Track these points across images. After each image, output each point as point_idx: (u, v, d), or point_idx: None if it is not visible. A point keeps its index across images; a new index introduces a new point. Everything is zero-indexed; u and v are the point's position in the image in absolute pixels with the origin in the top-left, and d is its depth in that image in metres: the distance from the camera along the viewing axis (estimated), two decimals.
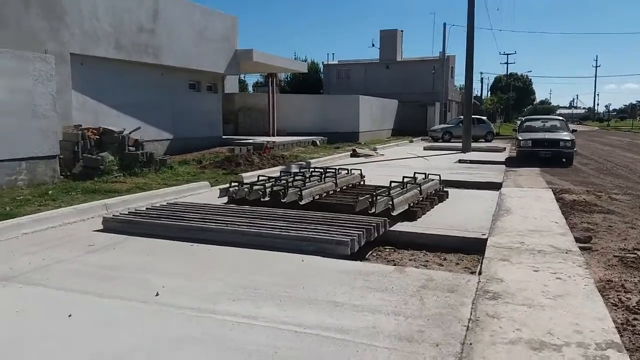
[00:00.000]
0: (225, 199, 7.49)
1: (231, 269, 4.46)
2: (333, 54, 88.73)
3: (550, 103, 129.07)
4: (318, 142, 23.17)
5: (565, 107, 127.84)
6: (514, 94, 67.98)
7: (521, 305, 3.64)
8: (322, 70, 45.00)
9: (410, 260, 5.35)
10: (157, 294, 3.84)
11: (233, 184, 7.54)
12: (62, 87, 11.98)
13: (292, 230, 5.25)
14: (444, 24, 37.79)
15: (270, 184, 7.68)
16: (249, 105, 24.51)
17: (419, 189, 7.47)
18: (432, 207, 7.39)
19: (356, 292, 3.90)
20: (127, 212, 6.30)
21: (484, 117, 32.33)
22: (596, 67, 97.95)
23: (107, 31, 13.08)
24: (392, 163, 15.28)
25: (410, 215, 6.60)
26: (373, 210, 6.31)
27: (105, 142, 11.64)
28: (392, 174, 11.88)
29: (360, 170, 9.59)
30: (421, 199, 7.30)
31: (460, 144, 20.72)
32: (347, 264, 4.66)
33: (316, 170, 9.61)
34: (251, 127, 24.27)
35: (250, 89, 58.24)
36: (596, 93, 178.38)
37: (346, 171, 9.62)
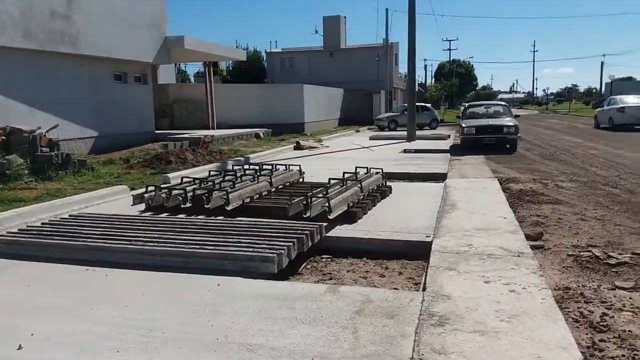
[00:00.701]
0: (142, 207, 6.58)
1: (127, 301, 3.64)
2: (276, 42, 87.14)
3: (492, 88, 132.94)
4: (262, 135, 22.28)
5: (506, 92, 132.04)
6: (456, 80, 69.18)
7: (472, 333, 3.04)
8: (265, 59, 43.81)
9: (348, 271, 4.70)
10: (19, 347, 2.98)
11: (150, 188, 6.63)
12: None
13: (210, 245, 4.47)
14: (386, 10, 37.82)
15: (194, 186, 6.84)
16: (186, 96, 23.22)
17: (359, 185, 6.84)
18: (374, 205, 6.79)
19: (277, 328, 3.19)
20: (16, 230, 5.30)
21: (428, 105, 32.37)
22: (534, 52, 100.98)
23: (13, 16, 11.66)
24: (337, 155, 14.67)
25: (350, 216, 5.96)
26: (308, 214, 5.61)
27: (14, 143, 10.34)
28: (335, 167, 11.26)
29: (299, 165, 8.88)
30: (362, 197, 6.68)
31: (406, 133, 20.41)
32: (272, 286, 3.94)
33: (251, 167, 8.83)
34: (189, 120, 23.02)
35: (192, 79, 56.18)
36: (535, 77, 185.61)
37: (284, 167, 8.89)
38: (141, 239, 4.75)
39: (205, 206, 6.10)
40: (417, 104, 27.12)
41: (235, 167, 9.02)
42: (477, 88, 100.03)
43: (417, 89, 55.99)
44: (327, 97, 31.20)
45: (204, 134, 18.39)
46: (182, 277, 4.10)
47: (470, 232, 5.41)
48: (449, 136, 21.10)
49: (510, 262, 4.38)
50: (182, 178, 7.52)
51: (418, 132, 21.68)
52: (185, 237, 4.77)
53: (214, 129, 22.05)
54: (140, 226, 5.25)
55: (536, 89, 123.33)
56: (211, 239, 4.69)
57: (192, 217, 6.04)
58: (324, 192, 6.21)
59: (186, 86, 23.76)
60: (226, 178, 7.58)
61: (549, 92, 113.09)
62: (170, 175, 9.63)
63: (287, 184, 8.01)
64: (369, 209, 6.53)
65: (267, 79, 42.29)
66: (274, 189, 7.45)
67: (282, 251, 4.23)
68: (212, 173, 8.17)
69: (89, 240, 4.71)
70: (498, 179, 9.23)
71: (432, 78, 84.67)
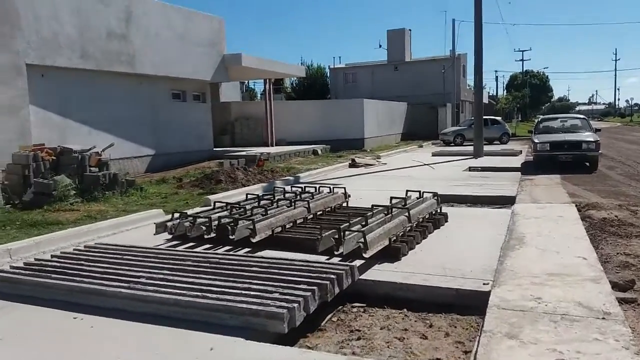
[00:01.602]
0: (166, 235, 6.05)
1: None
2: (340, 57, 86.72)
3: (569, 100, 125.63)
4: (319, 151, 21.72)
5: (584, 104, 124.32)
6: (528, 90, 65.59)
7: None
8: (329, 74, 43.55)
9: (382, 328, 3.84)
10: None
11: (175, 215, 6.10)
12: (18, 103, 10.78)
13: (215, 292, 3.78)
14: (453, 20, 36.27)
15: (224, 213, 6.24)
16: (247, 114, 23.17)
17: (407, 214, 5.94)
18: (424, 238, 5.86)
19: None
20: (21, 264, 4.89)
21: (498, 118, 30.49)
22: (616, 60, 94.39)
23: (71, 37, 11.83)
24: (394, 174, 13.72)
25: (392, 252, 5.09)
26: (340, 251, 4.81)
27: (64, 164, 10.33)
28: (389, 187, 10.37)
29: (345, 188, 8.08)
30: (409, 227, 5.77)
31: (472, 148, 19.05)
32: (274, 353, 3.16)
33: (292, 189, 8.17)
34: (249, 137, 22.90)
35: (259, 97, 57.13)
36: (617, 87, 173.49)
37: (329, 189, 8.13)
38: (144, 279, 4.16)
39: (230, 237, 5.45)
40: (486, 117, 25.61)
41: (279, 189, 8.39)
42: (552, 99, 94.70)
43: (487, 101, 53.59)
44: (388, 112, 30.24)
45: (260, 152, 18.07)
46: (173, 335, 3.42)
47: (540, 278, 4.38)
48: (520, 152, 19.46)
49: (593, 327, 3.34)
50: (214, 202, 6.96)
51: (486, 148, 20.24)
52: (193, 279, 4.11)
53: (272, 145, 21.77)
54: (150, 262, 4.67)
55: (618, 99, 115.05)
56: (219, 282, 4.01)
57: (213, 250, 5.42)
58: (363, 223, 5.38)
59: (247, 104, 23.75)
60: (261, 203, 6.94)
61: (633, 103, 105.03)
62: (213, 197, 9.15)
63: (329, 209, 7.23)
64: (417, 243, 5.61)
65: (330, 95, 41.96)
66: (311, 216, 6.70)
67: (296, 305, 3.45)
68: (249, 197, 7.56)
69: (86, 280, 4.18)
70: (576, 205, 7.94)
71: (503, 90, 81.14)
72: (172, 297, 3.73)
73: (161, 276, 4.23)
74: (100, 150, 13.01)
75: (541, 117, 22.51)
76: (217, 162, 16.29)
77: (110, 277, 4.27)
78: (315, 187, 8.12)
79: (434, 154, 20.13)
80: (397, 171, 14.34)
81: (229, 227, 5.53)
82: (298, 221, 6.37)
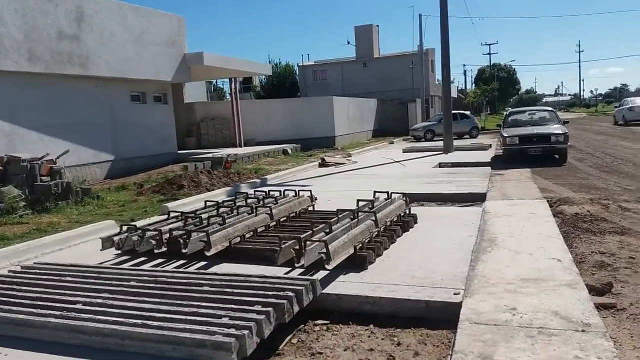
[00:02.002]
0: (115, 251, 5.57)
1: None
2: (308, 54, 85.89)
3: (536, 92, 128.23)
4: (289, 151, 21.31)
5: (551, 95, 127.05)
6: (497, 84, 66.45)
7: None
8: (297, 72, 43.13)
9: (346, 349, 3.48)
10: None
11: (124, 228, 5.62)
12: None
13: (157, 318, 3.36)
14: (420, 15, 36.18)
15: (177, 224, 5.80)
16: (212, 114, 22.56)
17: (373, 218, 5.61)
18: (392, 243, 5.55)
19: None
20: None
21: (467, 112, 30.58)
22: (579, 52, 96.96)
23: (16, 39, 11.11)
24: (364, 172, 13.42)
25: (358, 261, 4.75)
26: (301, 263, 4.44)
27: (12, 173, 9.68)
28: (358, 187, 10.06)
29: (310, 191, 7.71)
30: (376, 232, 5.45)
31: (443, 143, 18.94)
32: None
33: (256, 194, 7.76)
34: (216, 139, 22.33)
35: (228, 96, 56.14)
36: (581, 79, 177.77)
37: (294, 193, 7.76)
38: (80, 305, 3.71)
39: (182, 251, 5.02)
40: (455, 111, 25.63)
41: (241, 194, 7.97)
42: (520, 92, 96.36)
43: (456, 95, 53.92)
44: (359, 109, 30.01)
45: (227, 153, 17.56)
46: None
47: (514, 284, 4.10)
48: (490, 146, 19.47)
49: (573, 342, 3.06)
50: (169, 212, 6.50)
51: (456, 142, 20.18)
52: (135, 303, 3.68)
53: (241, 146, 21.26)
54: (90, 284, 4.21)
55: (583, 90, 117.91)
56: (165, 306, 3.59)
57: (162, 266, 4.99)
58: (327, 230, 5.03)
59: (213, 104, 23.15)
60: (221, 210, 6.52)
61: (597, 94, 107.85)
62: (171, 204, 8.67)
63: (293, 214, 6.85)
64: (385, 249, 5.29)
65: (300, 93, 41.56)
66: (274, 223, 6.31)
67: (247, 332, 3.06)
68: (208, 204, 7.12)
69: (14, 309, 3.70)
70: (547, 200, 7.76)
71: (472, 84, 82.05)
72: (108, 327, 3.29)
73: (100, 300, 3.78)
74: (54, 157, 12.35)
75: (509, 110, 22.60)
76: (182, 166, 15.74)
77: (44, 303, 3.80)
78: (280, 191, 7.73)
79: (404, 150, 19.97)
80: (367, 169, 14.06)
81: (181, 240, 5.10)
82: (259, 229, 5.97)
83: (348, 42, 42.78)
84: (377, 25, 40.63)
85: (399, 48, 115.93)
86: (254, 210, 6.29)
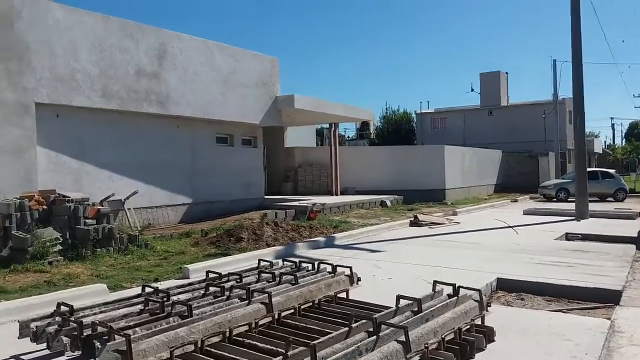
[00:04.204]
0: (34, 341, 4.05)
1: None
2: (428, 102, 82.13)
3: None
4: (388, 203, 19.19)
5: None
6: None
7: None
8: (415, 119, 41.12)
9: None
10: None
11: (49, 313, 4.08)
12: (24, 144, 9.80)
13: None
14: (554, 61, 32.16)
15: (117, 312, 4.15)
16: (311, 160, 21.41)
17: (404, 338, 3.43)
18: None
19: None
20: None
21: (612, 170, 25.81)
22: None
23: (91, 75, 10.82)
24: (461, 239, 10.88)
25: None
26: None
27: (57, 214, 9.00)
28: (441, 262, 7.75)
29: (350, 268, 5.63)
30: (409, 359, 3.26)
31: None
32: None
33: (287, 261, 5.92)
34: (313, 185, 21.04)
35: (347, 142, 55.72)
36: None
37: (331, 268, 5.76)
38: None
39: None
40: (596, 169, 21.57)
41: (269, 262, 6.18)
42: None
43: (601, 151, 47.43)
44: (477, 160, 26.94)
45: (314, 202, 16.02)
46: None
47: None
48: (639, 214, 15.46)
49: None
50: (143, 286, 4.89)
51: (596, 206, 16.53)
52: None
53: (337, 195, 19.67)
54: None
55: None
56: None
57: None
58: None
59: (312, 149, 22.06)
60: (210, 289, 4.76)
61: None
62: (191, 267, 7.14)
63: (314, 302, 4.85)
64: None
65: (416, 141, 39.38)
66: (272, 316, 4.37)
67: None
68: (189, 280, 5.41)
69: None
70: None
71: (622, 139, 72.73)
72: None
73: None
74: (122, 198, 11.78)
75: None
76: (262, 214, 14.46)
77: None
78: (313, 264, 5.79)
79: (525, 212, 16.72)
80: (467, 235, 11.47)
81: (96, 345, 3.40)
82: (244, 329, 4.08)
83: (472, 90, 39.78)
84: (507, 73, 37.39)
85: (528, 96, 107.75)
86: (249, 296, 4.44)
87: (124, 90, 11.47)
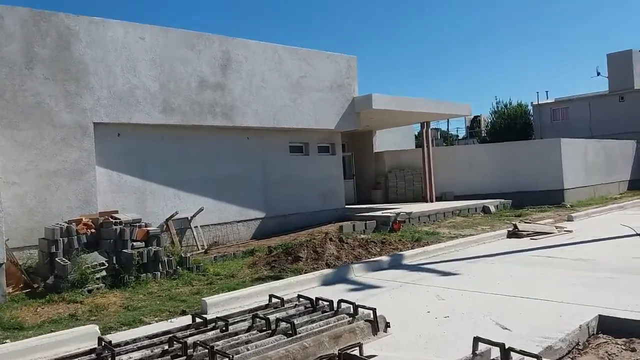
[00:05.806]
0: None
1: None
2: (547, 92, 73.52)
3: None
4: (492, 208, 16.95)
5: None
6: None
7: None
8: (532, 112, 37.12)
9: None
10: None
11: None
12: (82, 166, 9.75)
13: None
14: None
15: None
16: (403, 164, 19.77)
17: None
18: None
19: None
20: None
21: None
22: None
23: (151, 90, 10.58)
24: (569, 253, 8.75)
25: None
26: None
27: (104, 237, 8.70)
28: (530, 292, 6.02)
29: (374, 310, 4.26)
30: None
31: None
32: None
33: (302, 297, 4.75)
34: (405, 191, 19.41)
35: (458, 142, 52.33)
36: None
37: (351, 310, 4.44)
38: None
39: None
40: None
41: (280, 299, 5.04)
42: None
43: None
44: (604, 154, 23.18)
45: (399, 211, 14.52)
46: None
47: None
48: None
49: None
50: (100, 340, 4.00)
51: None
52: None
53: (431, 201, 17.88)
54: None
55: None
56: None
57: None
58: None
59: (403, 152, 20.35)
60: (175, 345, 3.74)
61: None
62: (209, 300, 6.19)
63: None
64: None
65: (534, 135, 35.48)
66: None
67: None
68: (174, 325, 4.40)
69: None
70: None
71: None
72: None
73: None
74: (189, 216, 11.42)
75: None
76: (338, 226, 13.35)
77: None
78: (331, 303, 4.52)
79: None
80: (578, 248, 9.26)
81: None
82: None
83: (598, 74, 34.90)
84: (639, 50, 32.19)
85: None
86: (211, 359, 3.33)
87: (186, 104, 11.10)
